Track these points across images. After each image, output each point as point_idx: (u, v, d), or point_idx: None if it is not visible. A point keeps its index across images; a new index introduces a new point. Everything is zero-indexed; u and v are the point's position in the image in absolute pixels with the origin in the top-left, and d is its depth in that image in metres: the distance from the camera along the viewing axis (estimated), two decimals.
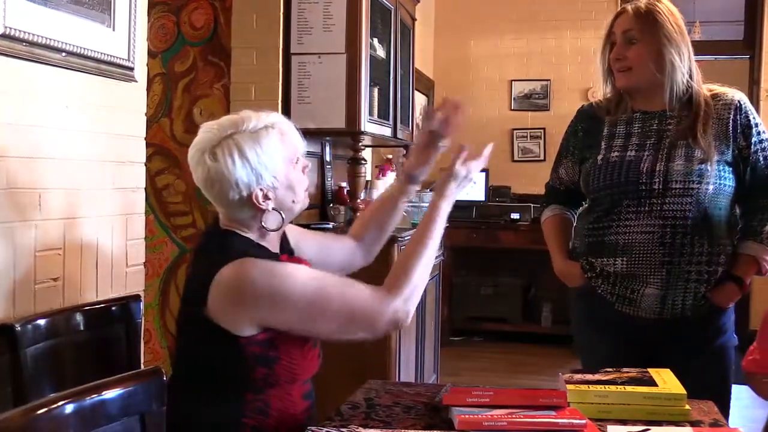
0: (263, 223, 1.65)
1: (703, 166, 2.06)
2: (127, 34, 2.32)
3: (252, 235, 1.67)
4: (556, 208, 2.35)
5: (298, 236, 1.87)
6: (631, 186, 2.09)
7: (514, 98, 6.33)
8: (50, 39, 1.98)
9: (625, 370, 1.75)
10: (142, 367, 2.06)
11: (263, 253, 1.65)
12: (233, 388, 1.60)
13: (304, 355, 1.64)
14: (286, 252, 1.78)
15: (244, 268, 1.56)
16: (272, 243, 1.71)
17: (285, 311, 1.56)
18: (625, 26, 2.12)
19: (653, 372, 1.73)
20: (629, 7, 2.14)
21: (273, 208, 1.65)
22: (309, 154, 1.76)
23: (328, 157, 3.89)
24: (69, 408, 1.20)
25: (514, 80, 6.33)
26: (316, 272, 1.64)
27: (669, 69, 2.09)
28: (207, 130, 1.64)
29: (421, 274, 1.67)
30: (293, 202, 1.69)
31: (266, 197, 1.63)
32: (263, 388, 1.60)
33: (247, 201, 1.62)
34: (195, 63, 3.72)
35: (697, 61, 2.16)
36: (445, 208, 1.77)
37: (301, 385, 1.67)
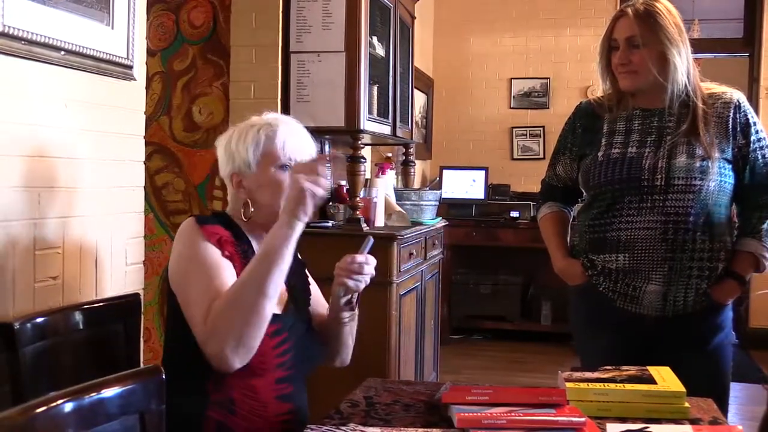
0: (242, 211, 1.74)
1: (705, 162, 2.07)
2: (126, 32, 2.32)
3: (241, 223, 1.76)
4: (554, 206, 2.35)
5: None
6: (633, 182, 2.09)
7: (513, 96, 6.32)
8: (49, 37, 1.98)
9: (624, 368, 1.75)
10: (142, 365, 2.06)
11: (228, 224, 1.73)
12: (190, 368, 1.59)
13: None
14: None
15: (185, 222, 1.71)
16: (258, 239, 1.76)
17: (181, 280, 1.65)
18: (627, 32, 2.11)
19: (653, 370, 1.73)
20: (629, 9, 2.12)
21: (246, 199, 1.74)
22: None
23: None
24: (68, 407, 1.20)
25: (514, 78, 6.32)
26: (219, 267, 1.63)
27: (672, 70, 2.09)
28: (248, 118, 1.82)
29: (242, 317, 1.54)
30: (265, 203, 1.73)
31: (240, 185, 1.74)
32: (220, 375, 1.59)
33: (229, 181, 1.77)
34: (194, 61, 3.72)
35: (696, 59, 2.17)
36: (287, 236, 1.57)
37: (270, 382, 1.64)
